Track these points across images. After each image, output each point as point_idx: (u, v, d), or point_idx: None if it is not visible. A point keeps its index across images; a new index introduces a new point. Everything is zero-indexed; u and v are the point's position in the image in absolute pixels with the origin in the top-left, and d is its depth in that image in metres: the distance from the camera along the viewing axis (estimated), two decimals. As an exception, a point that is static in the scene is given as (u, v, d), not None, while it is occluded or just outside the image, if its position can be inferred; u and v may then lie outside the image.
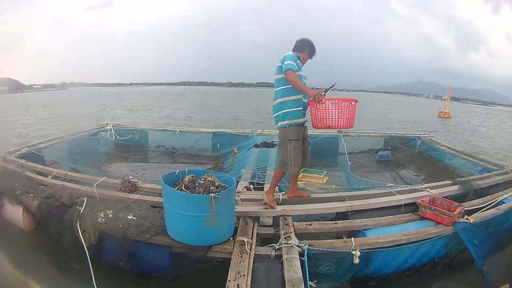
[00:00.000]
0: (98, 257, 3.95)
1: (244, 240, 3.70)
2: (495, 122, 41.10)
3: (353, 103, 4.14)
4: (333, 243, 3.89)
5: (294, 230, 3.99)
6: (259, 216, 4.39)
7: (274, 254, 3.56)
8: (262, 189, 5.38)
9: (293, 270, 3.17)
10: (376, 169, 8.92)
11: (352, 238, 3.97)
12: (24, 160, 6.22)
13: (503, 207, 4.90)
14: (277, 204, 4.62)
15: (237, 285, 2.96)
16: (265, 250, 3.67)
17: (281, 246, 3.60)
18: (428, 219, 4.50)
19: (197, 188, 3.76)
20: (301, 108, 4.49)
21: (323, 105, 4.07)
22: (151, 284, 4.06)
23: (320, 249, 3.68)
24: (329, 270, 3.70)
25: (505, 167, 6.65)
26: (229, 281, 3.02)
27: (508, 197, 5.22)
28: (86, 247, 3.87)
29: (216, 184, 3.87)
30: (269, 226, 4.34)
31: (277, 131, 4.71)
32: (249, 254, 3.49)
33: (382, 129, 12.93)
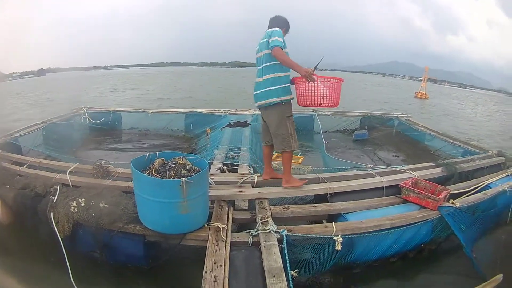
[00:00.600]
0: (73, 248, 3.71)
1: (220, 226, 3.45)
2: (474, 105, 41.20)
3: (340, 82, 4.03)
4: (312, 228, 3.66)
5: (271, 215, 3.75)
6: (234, 200, 4.14)
7: (251, 241, 3.31)
8: (236, 170, 5.17)
9: (273, 258, 2.93)
10: (353, 149, 8.81)
11: (333, 222, 3.76)
12: (1, 151, 5.97)
13: (490, 191, 4.76)
14: (252, 187, 4.42)
15: (214, 276, 2.72)
16: (242, 237, 3.42)
17: (258, 232, 3.36)
18: (412, 202, 4.31)
19: (167, 172, 3.48)
20: (289, 85, 4.28)
21: (314, 82, 3.91)
22: (127, 274, 3.81)
23: (300, 235, 3.46)
24: (310, 258, 3.51)
25: (489, 151, 6.56)
26: (205, 272, 2.78)
27: (494, 181, 5.09)
28: (61, 238, 3.64)
29: (187, 167, 3.59)
30: (245, 210, 4.10)
31: (260, 110, 4.51)
32: (225, 242, 3.25)
33: (357, 108, 12.85)
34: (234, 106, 11.00)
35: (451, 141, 7.66)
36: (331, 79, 3.96)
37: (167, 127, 10.27)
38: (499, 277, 3.20)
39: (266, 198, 4.15)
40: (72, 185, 4.44)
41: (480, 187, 4.88)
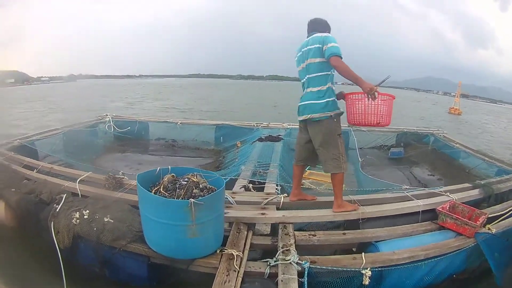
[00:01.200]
0: (72, 260, 3.61)
1: (234, 253, 3.09)
2: (506, 122, 40.50)
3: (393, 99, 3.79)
4: (340, 260, 3.27)
5: (295, 242, 3.39)
6: (255, 223, 3.79)
7: (268, 271, 2.94)
8: (262, 189, 4.82)
9: (289, 296, 2.54)
10: (389, 167, 8.40)
11: (363, 254, 3.35)
12: (13, 153, 5.98)
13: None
14: (277, 209, 4.07)
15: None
16: (258, 266, 3.05)
17: (277, 262, 2.99)
18: (448, 229, 3.95)
19: (177, 190, 3.15)
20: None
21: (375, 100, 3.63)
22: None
23: (324, 267, 3.08)
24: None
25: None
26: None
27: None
28: (59, 249, 3.51)
29: (201, 186, 3.26)
30: (266, 235, 3.73)
31: (301, 124, 4.16)
32: (238, 272, 2.90)
33: (393, 124, 12.57)
34: (267, 120, 10.68)
35: (486, 159, 7.23)
36: (388, 96, 3.72)
37: (196, 139, 10.00)
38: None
39: (291, 223, 3.79)
40: (81, 195, 4.31)
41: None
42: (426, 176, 7.57)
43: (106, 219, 3.54)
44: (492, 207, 4.59)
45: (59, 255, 3.46)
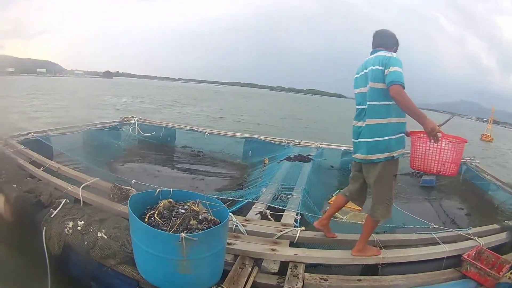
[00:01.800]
0: (61, 268, 3.59)
1: (230, 293, 2.72)
2: None
3: (464, 144, 3.32)
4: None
5: (303, 285, 3.05)
6: (263, 259, 3.42)
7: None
8: (280, 217, 4.41)
9: None
10: (419, 197, 7.89)
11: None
12: (23, 147, 5.94)
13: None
14: (291, 244, 3.72)
15: None
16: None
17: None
18: (470, 278, 3.66)
19: (172, 219, 2.82)
20: (403, 134, 3.42)
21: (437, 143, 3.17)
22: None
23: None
24: None
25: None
26: None
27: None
28: (48, 256, 3.53)
29: (200, 217, 2.91)
30: (273, 273, 3.33)
31: (363, 163, 3.59)
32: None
33: None
34: (299, 137, 10.38)
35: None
36: (456, 140, 3.24)
37: (224, 151, 9.73)
38: None
39: (303, 263, 3.42)
40: (82, 202, 4.18)
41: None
42: (455, 210, 7.14)
43: (99, 234, 3.38)
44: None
45: (47, 262, 3.49)
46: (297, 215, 4.49)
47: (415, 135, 3.35)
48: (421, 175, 8.86)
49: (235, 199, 4.91)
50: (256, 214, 4.45)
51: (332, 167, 8.78)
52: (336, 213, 5.00)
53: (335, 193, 6.06)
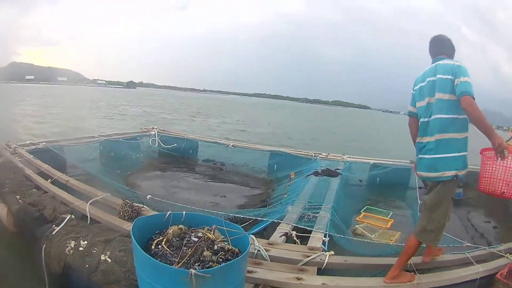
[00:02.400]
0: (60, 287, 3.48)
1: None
2: None
3: None
4: None
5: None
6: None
7: None
8: (307, 239, 4.05)
9: None
10: None
11: None
12: (32, 156, 5.87)
13: None
14: (318, 271, 3.36)
15: None
16: None
17: None
18: None
19: (183, 248, 2.43)
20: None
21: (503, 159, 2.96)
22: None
23: None
24: None
25: None
26: None
27: None
28: (47, 275, 3.41)
29: (216, 246, 2.48)
30: None
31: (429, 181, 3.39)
32: None
33: None
34: (327, 149, 9.98)
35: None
36: None
37: (248, 164, 9.41)
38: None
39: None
40: (90, 218, 3.96)
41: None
42: (482, 224, 6.85)
43: (103, 257, 3.14)
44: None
45: (46, 281, 3.39)
46: (325, 236, 4.15)
47: (485, 152, 3.27)
48: None
49: (258, 218, 4.60)
50: (280, 236, 4.07)
51: (361, 181, 8.43)
52: (363, 231, 5.11)
53: (363, 210, 6.10)
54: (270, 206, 5.71)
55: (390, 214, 6.24)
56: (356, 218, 5.78)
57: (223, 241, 2.57)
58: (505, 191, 3.01)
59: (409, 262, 3.51)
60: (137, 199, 5.09)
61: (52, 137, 8.59)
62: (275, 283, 3.05)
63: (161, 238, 2.51)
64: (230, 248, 2.51)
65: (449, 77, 3.04)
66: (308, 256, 3.48)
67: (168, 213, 2.79)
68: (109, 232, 3.54)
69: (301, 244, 3.97)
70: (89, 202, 4.14)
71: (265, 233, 4.25)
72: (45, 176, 5.12)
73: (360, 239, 4.25)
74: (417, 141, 3.40)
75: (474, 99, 2.88)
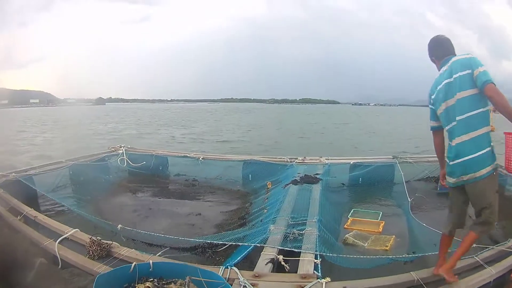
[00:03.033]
0: None
1: None
2: None
3: None
4: None
5: None
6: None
7: None
8: (296, 263, 3.70)
9: None
10: (440, 206, 7.01)
11: None
12: (2, 190, 5.73)
13: None
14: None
15: None
16: None
17: None
18: None
19: None
20: None
21: None
22: None
23: None
24: None
25: None
26: None
27: None
28: None
29: None
30: None
31: (466, 184, 3.24)
32: None
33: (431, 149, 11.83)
34: (302, 153, 9.85)
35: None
36: None
37: (220, 177, 9.19)
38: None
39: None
40: (61, 263, 3.71)
41: None
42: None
43: None
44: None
45: None
46: (316, 258, 3.78)
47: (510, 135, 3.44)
48: (437, 180, 8.33)
49: (239, 244, 4.23)
50: (266, 263, 3.67)
51: (343, 184, 8.23)
52: (354, 240, 4.96)
53: (350, 215, 6.07)
54: (249, 225, 5.48)
55: (380, 214, 6.13)
56: (344, 226, 5.64)
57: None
58: None
59: (415, 277, 3.40)
60: (109, 229, 4.95)
61: (22, 165, 8.31)
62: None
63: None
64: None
65: (468, 71, 3.02)
66: (303, 287, 3.16)
67: (133, 264, 2.58)
68: (80, 278, 3.32)
69: (290, 269, 3.66)
70: (57, 241, 3.94)
71: (248, 261, 3.90)
72: (14, 212, 4.97)
73: (353, 256, 3.98)
74: (449, 146, 3.33)
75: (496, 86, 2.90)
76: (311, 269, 3.53)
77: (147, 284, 2.37)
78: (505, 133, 3.42)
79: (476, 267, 3.66)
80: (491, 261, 3.76)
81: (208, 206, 7.24)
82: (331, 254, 3.93)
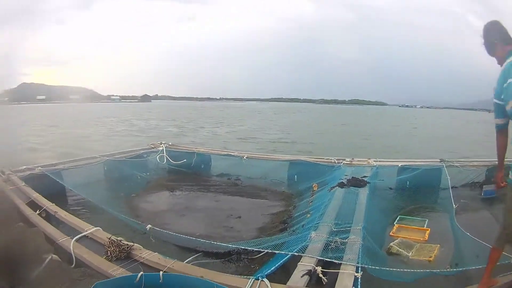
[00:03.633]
0: None
1: None
2: None
3: None
4: None
5: None
6: None
7: None
8: (335, 276, 3.26)
9: None
10: (484, 213, 6.60)
11: None
12: (23, 183, 5.55)
13: None
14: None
15: None
16: None
17: None
18: None
19: None
20: None
21: None
22: None
23: None
24: None
25: None
26: None
27: None
28: None
29: None
30: None
31: None
32: None
33: (482, 155, 11.25)
34: (351, 154, 9.61)
35: None
36: None
37: (265, 177, 8.86)
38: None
39: None
40: (75, 259, 3.51)
41: None
42: None
43: None
44: None
45: None
46: (357, 271, 3.34)
47: None
48: (481, 185, 7.86)
49: (275, 252, 3.82)
50: (302, 275, 3.24)
51: (391, 188, 7.75)
52: (398, 249, 4.61)
53: (396, 221, 5.69)
54: (290, 230, 5.07)
55: (426, 222, 5.74)
56: (390, 233, 5.24)
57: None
58: None
59: None
60: (138, 228, 4.79)
61: (52, 160, 8.22)
62: None
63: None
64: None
65: None
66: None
67: (140, 274, 2.29)
68: (91, 280, 3.02)
69: (328, 281, 3.23)
70: (74, 239, 3.71)
71: (283, 271, 3.45)
72: (34, 206, 4.76)
73: (395, 269, 3.58)
74: None
75: None
76: (349, 284, 3.10)
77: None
78: None
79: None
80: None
81: (250, 207, 6.91)
82: (373, 267, 3.48)
